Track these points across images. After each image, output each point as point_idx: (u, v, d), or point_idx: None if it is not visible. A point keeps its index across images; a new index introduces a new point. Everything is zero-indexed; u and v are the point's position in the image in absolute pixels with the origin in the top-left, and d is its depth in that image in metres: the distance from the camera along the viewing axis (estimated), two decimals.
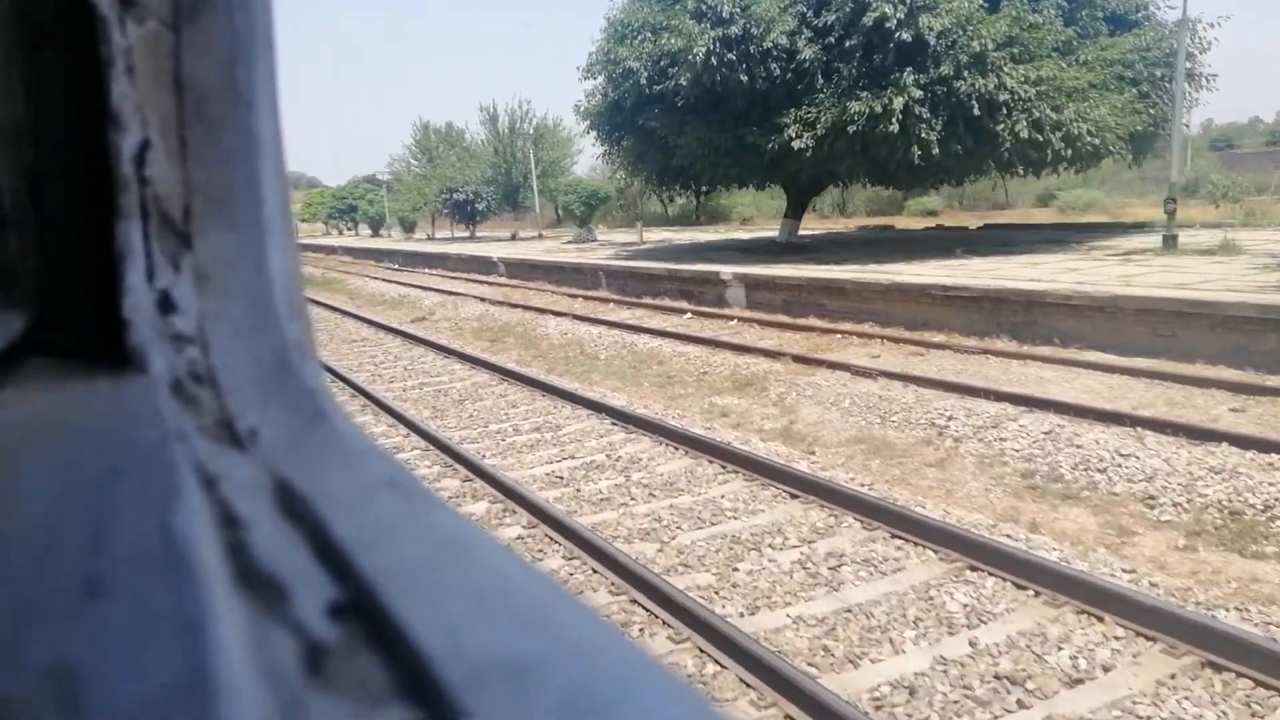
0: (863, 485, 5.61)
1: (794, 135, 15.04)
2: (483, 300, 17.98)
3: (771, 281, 13.36)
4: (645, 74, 16.71)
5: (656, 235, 31.00)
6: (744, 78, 15.02)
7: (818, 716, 3.00)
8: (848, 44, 14.36)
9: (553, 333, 13.43)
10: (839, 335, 10.86)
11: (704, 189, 21.02)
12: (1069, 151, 13.94)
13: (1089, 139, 13.77)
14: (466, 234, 40.08)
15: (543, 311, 15.36)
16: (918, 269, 13.05)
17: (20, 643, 0.19)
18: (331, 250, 43.82)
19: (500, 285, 21.19)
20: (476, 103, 44.67)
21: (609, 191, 29.91)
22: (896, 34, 13.54)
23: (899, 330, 10.71)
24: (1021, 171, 15.84)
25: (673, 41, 15.08)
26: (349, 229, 64.00)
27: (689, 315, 13.82)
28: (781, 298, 13.14)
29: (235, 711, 0.18)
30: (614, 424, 7.32)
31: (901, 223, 35.30)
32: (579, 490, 5.65)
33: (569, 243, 29.51)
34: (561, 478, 5.95)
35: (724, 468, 5.88)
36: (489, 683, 0.20)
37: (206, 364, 0.33)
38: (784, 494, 5.35)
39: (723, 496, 5.40)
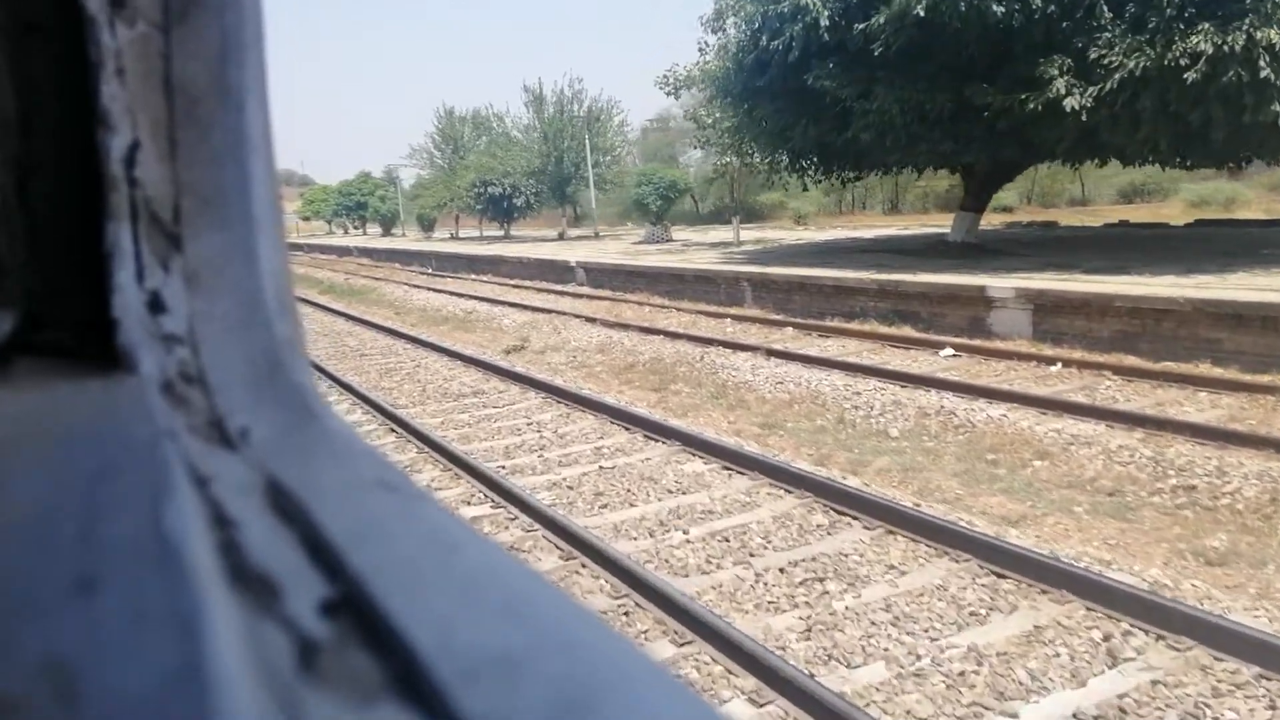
0: None
1: (1063, 90, 10.53)
2: (590, 321, 13.45)
3: (1099, 303, 8.84)
4: (826, 13, 12.19)
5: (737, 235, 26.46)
6: (998, 8, 10.51)
7: None
8: None
9: (752, 379, 8.93)
10: None
11: (884, 171, 16.46)
12: None
13: None
14: (500, 233, 35.44)
15: (704, 342, 10.85)
16: (1270, 281, 8.61)
17: (13, 638, 0.19)
18: (345, 251, 39.20)
19: (592, 298, 16.64)
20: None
21: (688, 182, 25.45)
22: None
23: None
24: None
25: None
26: (355, 227, 59.32)
27: (949, 352, 9.32)
28: (1112, 329, 8.64)
29: (229, 707, 0.18)
30: None
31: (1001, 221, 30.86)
32: None
33: (641, 243, 24.97)
34: None
35: None
36: (480, 677, 0.21)
37: (197, 364, 0.33)
38: None
39: None
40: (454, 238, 40.38)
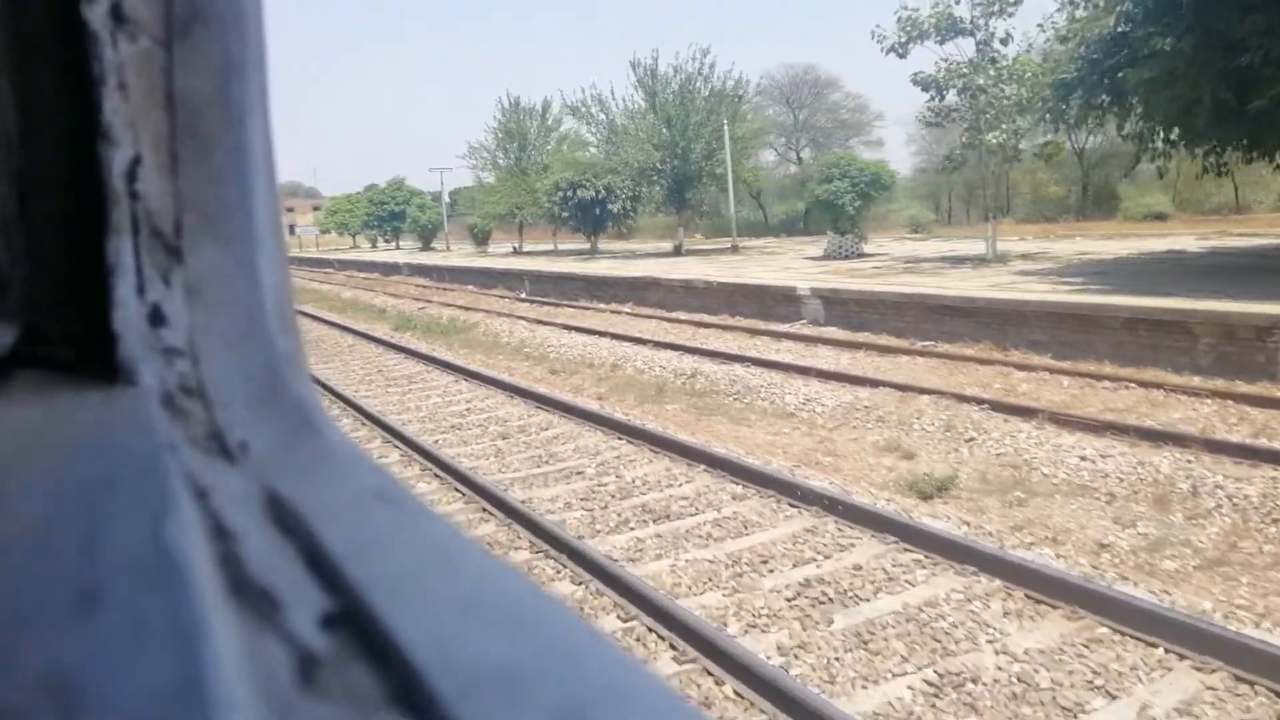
0: None
1: None
2: (999, 409, 7.18)
3: None
4: None
5: (921, 246, 20.10)
6: None
7: None
8: None
9: None
10: None
11: None
12: None
13: None
14: (586, 247, 29.11)
15: None
16: None
17: (15, 652, 0.19)
18: (392, 268, 32.94)
19: (886, 351, 10.36)
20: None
21: (892, 177, 19.25)
22: None
23: None
24: None
25: None
26: (387, 240, 53.14)
27: None
28: None
29: None
30: None
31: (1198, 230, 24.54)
32: None
33: (826, 256, 18.70)
34: None
35: None
36: (480, 691, 0.20)
37: (197, 377, 0.33)
38: None
39: None
40: (517, 251, 34.17)
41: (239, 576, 0.24)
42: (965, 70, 14.49)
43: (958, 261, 15.95)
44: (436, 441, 7.46)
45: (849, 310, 11.96)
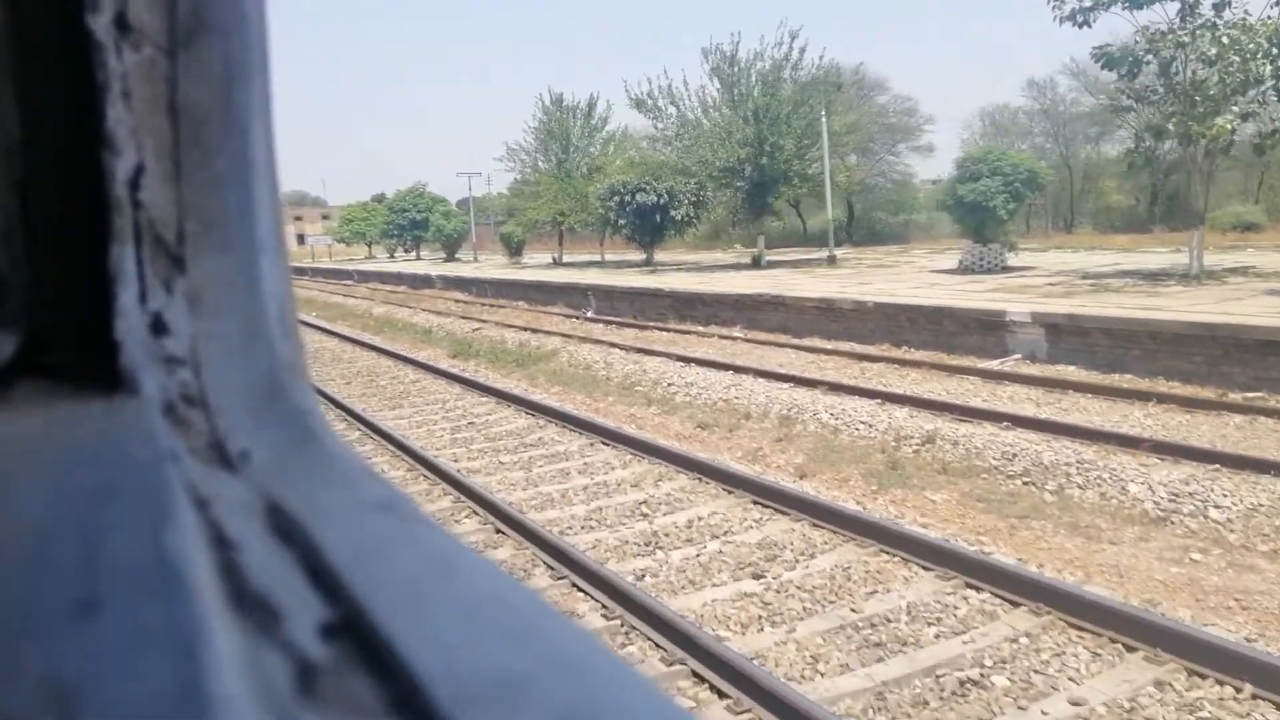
0: None
1: None
2: None
3: None
4: None
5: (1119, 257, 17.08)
6: None
7: None
8: None
9: None
10: None
11: None
12: None
13: None
14: (640, 257, 26.16)
15: None
16: None
17: (16, 658, 0.19)
18: (422, 280, 30.05)
19: (1186, 403, 7.43)
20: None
21: (1047, 176, 16.36)
22: None
23: None
24: None
25: None
26: (406, 250, 50.28)
27: None
28: None
29: None
30: None
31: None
32: None
33: (962, 269, 15.77)
34: None
35: None
36: (480, 701, 0.20)
37: (198, 386, 0.33)
38: None
39: None
40: (557, 263, 31.28)
41: (239, 586, 0.24)
42: (1184, 38, 11.57)
43: (1151, 278, 13.01)
44: (639, 577, 4.51)
45: (1092, 343, 8.99)
